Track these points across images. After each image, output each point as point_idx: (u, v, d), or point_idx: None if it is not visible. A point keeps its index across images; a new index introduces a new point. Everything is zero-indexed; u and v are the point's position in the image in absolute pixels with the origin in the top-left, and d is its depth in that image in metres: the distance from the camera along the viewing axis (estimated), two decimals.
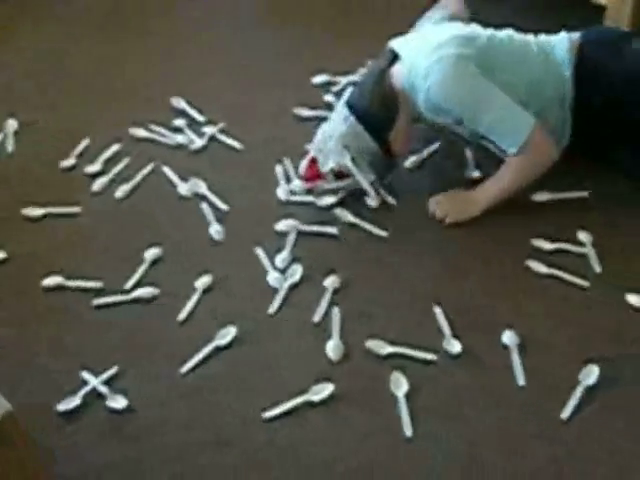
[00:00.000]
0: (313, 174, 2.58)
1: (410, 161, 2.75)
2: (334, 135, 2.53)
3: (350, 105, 2.55)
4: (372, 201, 2.60)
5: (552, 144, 2.48)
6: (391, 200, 2.62)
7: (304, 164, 2.61)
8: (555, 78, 2.54)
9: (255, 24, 3.53)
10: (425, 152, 2.78)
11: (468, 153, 2.76)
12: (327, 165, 2.54)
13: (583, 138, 2.61)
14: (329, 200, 2.60)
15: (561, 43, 2.57)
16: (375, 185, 2.59)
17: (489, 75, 2.46)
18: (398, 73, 2.57)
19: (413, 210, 2.60)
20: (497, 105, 2.43)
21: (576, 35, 2.58)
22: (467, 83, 2.45)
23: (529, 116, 2.44)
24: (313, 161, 2.58)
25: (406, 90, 2.55)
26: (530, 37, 2.63)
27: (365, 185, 2.56)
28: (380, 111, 2.54)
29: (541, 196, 2.59)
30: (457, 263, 2.44)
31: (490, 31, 2.61)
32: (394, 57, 2.62)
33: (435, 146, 2.80)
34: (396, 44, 2.64)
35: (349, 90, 2.62)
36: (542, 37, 2.63)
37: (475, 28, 2.61)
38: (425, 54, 2.48)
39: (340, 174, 2.57)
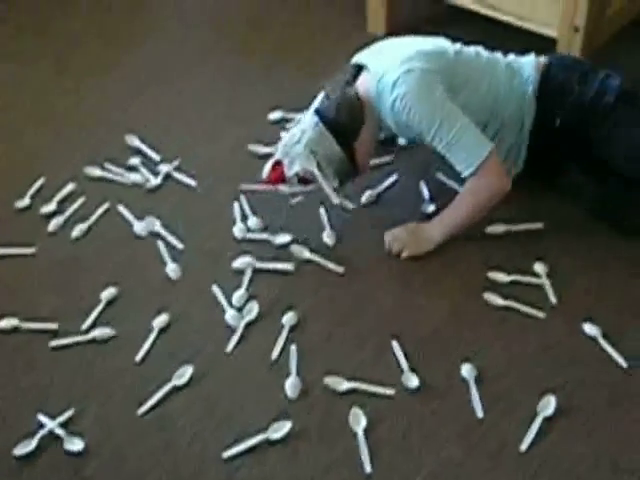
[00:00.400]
0: (277, 177, 2.58)
1: (366, 196, 2.76)
2: (302, 140, 2.53)
3: (319, 112, 2.55)
4: (328, 238, 2.61)
5: (506, 173, 2.50)
6: (350, 205, 2.62)
7: (267, 167, 2.60)
8: (518, 95, 2.57)
9: (210, 60, 3.53)
10: (380, 187, 2.79)
11: (423, 187, 2.77)
12: (293, 169, 2.53)
13: (537, 161, 2.65)
14: (285, 238, 2.61)
15: (528, 63, 2.60)
16: (337, 192, 2.59)
17: (454, 91, 2.49)
18: (366, 82, 2.58)
19: (369, 245, 2.61)
20: (457, 125, 2.44)
21: (543, 57, 2.63)
22: (431, 99, 2.45)
23: (487, 140, 2.46)
24: (277, 164, 2.57)
25: (373, 100, 2.56)
26: (498, 54, 2.66)
27: (328, 191, 2.55)
28: (347, 119, 2.55)
29: (496, 228, 2.60)
30: (413, 297, 2.44)
31: (458, 45, 2.63)
32: (357, 70, 2.64)
33: (390, 180, 2.81)
34: (360, 57, 2.66)
35: (318, 98, 2.63)
36: (511, 56, 2.67)
37: (443, 42, 2.63)
38: (394, 66, 2.49)
39: (304, 180, 2.56)
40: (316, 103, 2.61)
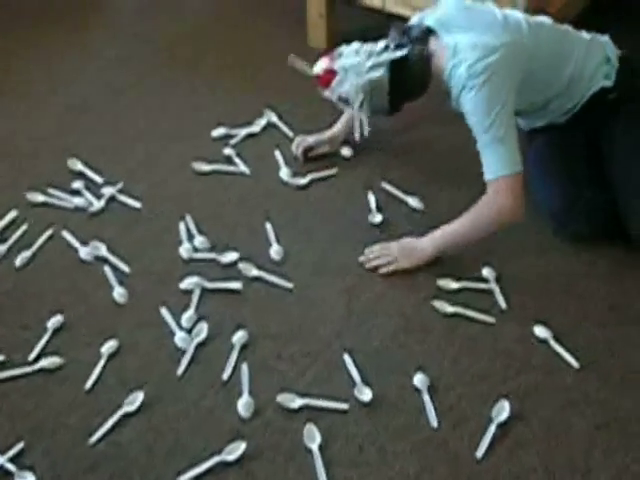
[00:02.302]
0: (324, 82, 2.59)
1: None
2: (362, 75, 2.52)
3: (392, 66, 2.52)
4: (276, 254, 2.60)
5: (522, 203, 2.43)
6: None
7: (321, 65, 2.59)
8: (596, 70, 2.58)
9: (149, 79, 3.51)
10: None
11: (370, 197, 2.77)
12: (340, 87, 2.55)
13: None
14: (232, 256, 2.59)
15: (608, 43, 2.65)
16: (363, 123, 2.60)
17: (531, 71, 2.49)
18: (440, 56, 2.51)
19: (316, 259, 2.60)
20: (501, 133, 2.40)
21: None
22: (492, 101, 2.40)
23: (520, 164, 2.42)
24: (332, 72, 2.56)
25: (443, 76, 2.51)
26: (571, 29, 2.66)
27: (356, 124, 2.59)
28: (414, 88, 2.58)
29: None
30: (363, 309, 2.43)
31: (532, 21, 2.58)
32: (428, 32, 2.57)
33: (335, 190, 2.81)
34: (430, 21, 2.58)
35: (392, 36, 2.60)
36: (585, 34, 2.67)
37: (519, 20, 2.55)
38: (473, 52, 2.42)
39: (343, 99, 2.59)
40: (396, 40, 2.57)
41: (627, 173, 2.53)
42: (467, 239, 2.51)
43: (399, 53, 2.52)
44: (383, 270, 2.52)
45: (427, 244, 2.53)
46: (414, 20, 2.67)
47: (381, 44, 2.56)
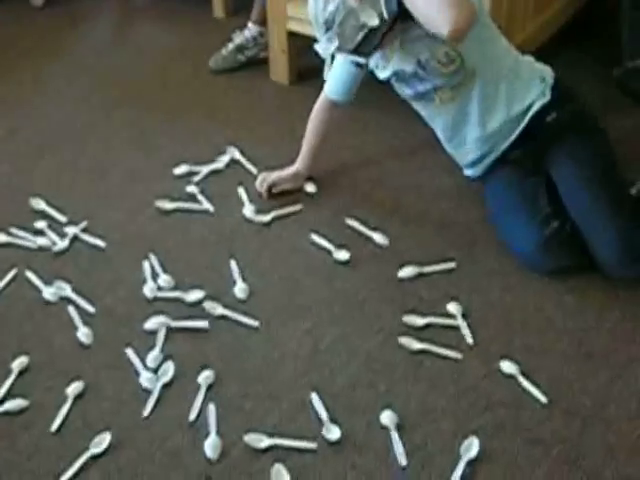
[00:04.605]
0: None
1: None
2: None
3: None
4: (240, 292, 2.59)
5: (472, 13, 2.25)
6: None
7: None
8: (530, 80, 2.63)
9: (111, 118, 3.51)
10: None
11: (318, 239, 2.78)
12: None
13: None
14: (197, 294, 2.58)
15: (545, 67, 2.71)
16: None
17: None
18: None
19: (281, 296, 2.60)
20: None
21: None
22: None
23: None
24: None
25: None
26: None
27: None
28: None
29: (407, 272, 2.61)
30: (329, 347, 2.42)
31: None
32: None
33: (300, 226, 2.81)
34: None
35: None
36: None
37: None
38: None
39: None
40: None
41: (585, 205, 2.55)
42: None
43: None
44: None
45: None
46: None
47: None
